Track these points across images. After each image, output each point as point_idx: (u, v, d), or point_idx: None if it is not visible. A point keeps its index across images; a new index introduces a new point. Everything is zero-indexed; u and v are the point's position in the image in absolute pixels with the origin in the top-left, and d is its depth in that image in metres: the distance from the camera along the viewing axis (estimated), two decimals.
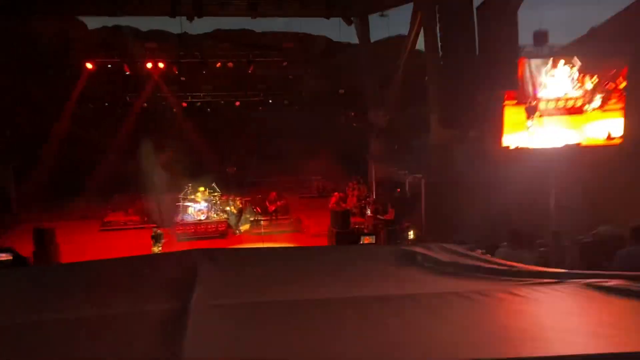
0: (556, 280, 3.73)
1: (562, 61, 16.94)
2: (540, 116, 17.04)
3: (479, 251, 6.97)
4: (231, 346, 2.81)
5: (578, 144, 17.24)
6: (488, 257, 6.12)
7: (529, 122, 16.95)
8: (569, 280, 3.71)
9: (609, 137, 17.33)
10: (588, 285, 3.53)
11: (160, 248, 15.66)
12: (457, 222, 15.10)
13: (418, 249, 5.20)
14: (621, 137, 17.39)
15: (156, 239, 15.76)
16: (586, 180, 16.14)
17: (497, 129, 17.15)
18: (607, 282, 3.52)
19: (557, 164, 16.57)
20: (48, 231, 15.13)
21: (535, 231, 12.63)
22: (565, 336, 2.75)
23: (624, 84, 17.23)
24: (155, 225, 16.91)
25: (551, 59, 16.89)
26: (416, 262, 4.75)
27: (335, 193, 22.80)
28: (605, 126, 17.48)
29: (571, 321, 3.08)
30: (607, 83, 17.13)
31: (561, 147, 17.28)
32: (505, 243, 7.71)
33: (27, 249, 14.61)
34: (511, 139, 17.15)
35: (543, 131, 17.14)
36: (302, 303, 3.46)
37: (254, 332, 2.99)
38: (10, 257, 13.32)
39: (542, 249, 10.12)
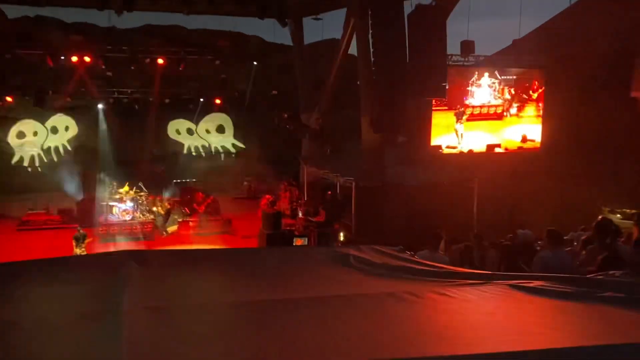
0: (483, 281, 3.91)
1: (486, 74, 17.87)
2: (467, 120, 17.88)
3: (408, 253, 7.17)
4: (169, 348, 2.76)
5: (498, 145, 18.28)
6: (417, 259, 6.29)
7: (457, 125, 17.74)
8: (494, 282, 3.90)
9: (524, 140, 18.66)
10: (512, 286, 3.72)
11: (83, 250, 15.03)
12: (385, 224, 15.45)
13: (350, 251, 5.30)
14: (538, 142, 18.59)
15: (78, 239, 15.10)
16: (505, 185, 17.01)
17: (425, 134, 17.74)
18: (529, 283, 3.73)
19: (479, 168, 17.36)
20: None
21: (459, 233, 13.20)
22: (494, 335, 2.90)
23: (536, 95, 18.48)
24: (77, 225, 16.22)
25: (476, 71, 17.74)
26: (349, 263, 4.83)
27: (267, 195, 22.75)
28: (520, 130, 18.69)
29: (499, 320, 3.24)
30: (522, 94, 18.40)
31: (483, 151, 18.15)
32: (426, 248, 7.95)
33: None
34: (440, 140, 17.85)
35: (469, 134, 18.01)
36: (235, 305, 3.44)
37: (189, 335, 2.95)
38: None
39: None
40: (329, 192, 21.13)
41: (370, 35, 15.87)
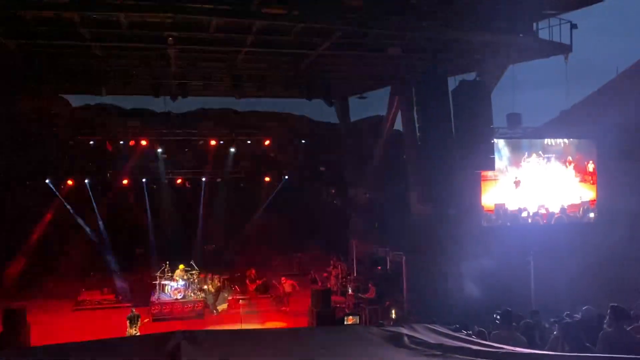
0: None
1: (534, 155, 17.83)
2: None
3: (464, 332, 6.92)
4: None
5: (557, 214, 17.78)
6: (473, 338, 6.08)
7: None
8: None
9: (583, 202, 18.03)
10: None
11: (137, 330, 15.13)
12: (439, 301, 15.02)
13: (404, 330, 5.16)
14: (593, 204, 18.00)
15: (132, 320, 15.26)
16: (562, 259, 16.37)
17: (475, 207, 17.48)
18: None
19: (533, 242, 16.84)
20: (18, 311, 14.58)
21: (517, 309, 12.65)
22: None
23: (592, 166, 18.11)
24: (130, 305, 16.45)
25: (526, 153, 17.73)
26: (402, 344, 4.70)
27: (313, 272, 22.66)
28: (578, 193, 18.18)
29: None
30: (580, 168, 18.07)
31: (537, 220, 17.66)
32: (498, 323, 7.65)
33: None
34: (492, 198, 17.54)
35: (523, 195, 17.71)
36: None
37: None
38: None
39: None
40: (379, 267, 20.85)
41: (414, 112, 16.15)
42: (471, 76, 16.29)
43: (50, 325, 16.48)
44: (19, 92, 16.08)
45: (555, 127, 20.17)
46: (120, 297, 19.78)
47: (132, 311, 15.58)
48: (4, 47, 14.46)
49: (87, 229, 23.25)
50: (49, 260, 23.56)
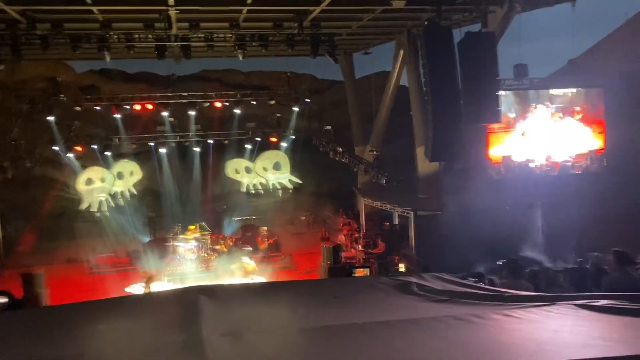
0: (549, 302, 3.87)
1: (540, 105, 17.70)
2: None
3: (471, 279, 7.11)
4: None
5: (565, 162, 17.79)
6: (480, 284, 6.25)
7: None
8: (560, 302, 3.85)
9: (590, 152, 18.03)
10: (578, 305, 3.67)
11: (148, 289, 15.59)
12: (446, 252, 15.22)
13: (413, 279, 5.34)
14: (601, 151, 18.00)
15: (148, 281, 15.68)
16: (571, 207, 16.46)
17: (482, 160, 17.52)
18: (596, 302, 3.67)
19: (541, 191, 16.92)
20: (37, 276, 14.97)
21: (523, 258, 12.83)
22: (559, 349, 2.87)
23: (600, 115, 17.99)
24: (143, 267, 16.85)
25: (533, 104, 17.59)
26: (412, 291, 4.87)
27: (322, 229, 23.02)
28: (586, 143, 18.16)
29: (564, 337, 3.20)
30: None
31: (544, 172, 17.70)
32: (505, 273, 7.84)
33: (16, 294, 14.42)
34: (499, 150, 17.57)
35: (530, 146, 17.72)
36: (304, 330, 3.55)
37: (264, 357, 3.08)
38: (7, 300, 13.16)
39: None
40: (387, 223, 21.07)
41: (420, 66, 16.02)
42: (477, 27, 16.08)
43: (68, 288, 16.92)
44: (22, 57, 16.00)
45: (562, 77, 19.96)
46: (134, 260, 20.18)
47: (147, 272, 15.98)
48: (7, 15, 14.43)
49: None
50: (61, 226, 24.04)
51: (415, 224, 17.09)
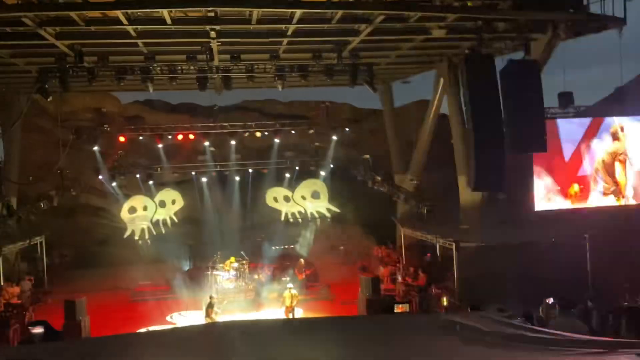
0: (607, 349, 3.56)
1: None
2: None
3: (519, 319, 6.74)
4: None
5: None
6: (528, 325, 5.91)
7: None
8: (620, 350, 3.53)
9: None
10: None
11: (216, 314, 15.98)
12: (491, 287, 14.71)
13: (457, 318, 5.06)
14: None
15: (212, 306, 16.02)
16: (621, 241, 15.76)
17: (527, 190, 17.02)
18: None
19: (589, 224, 16.28)
20: (78, 303, 15.15)
21: (573, 297, 12.26)
22: None
23: None
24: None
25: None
26: (457, 332, 4.61)
27: (359, 262, 22.70)
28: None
29: None
30: None
31: (594, 208, 17.02)
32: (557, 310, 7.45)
33: (59, 322, 14.62)
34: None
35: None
36: None
37: None
38: (42, 331, 13.34)
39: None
40: (428, 254, 20.60)
41: (461, 94, 15.78)
42: (520, 55, 15.78)
43: (109, 315, 17.08)
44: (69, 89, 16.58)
45: (609, 105, 19.36)
46: (174, 288, 20.26)
47: (211, 298, 16.32)
48: (56, 49, 14.98)
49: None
50: (104, 253, 24.46)
51: (458, 256, 16.62)
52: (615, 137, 17.67)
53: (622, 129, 17.71)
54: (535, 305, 11.01)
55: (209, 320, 15.57)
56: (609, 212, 17.08)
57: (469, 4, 13.55)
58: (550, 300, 9.82)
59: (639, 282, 12.31)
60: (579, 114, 17.76)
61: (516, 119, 14.24)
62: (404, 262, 20.51)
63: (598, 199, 17.49)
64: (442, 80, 20.49)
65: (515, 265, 15.21)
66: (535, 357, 3.51)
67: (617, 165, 17.69)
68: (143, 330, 15.03)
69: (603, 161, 17.69)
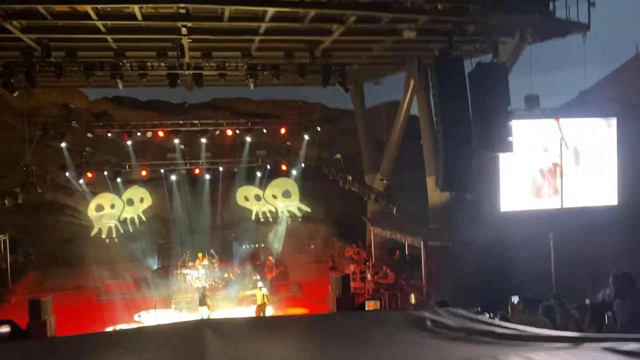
0: (572, 344, 3.68)
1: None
2: None
3: (487, 315, 6.91)
4: None
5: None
6: (497, 321, 6.05)
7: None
8: (585, 344, 3.66)
9: None
10: (605, 349, 3.47)
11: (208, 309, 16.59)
12: (457, 284, 14.98)
13: (426, 314, 5.15)
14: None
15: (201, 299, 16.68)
16: (581, 239, 16.21)
17: (494, 190, 17.34)
18: (625, 345, 3.48)
19: (552, 223, 16.70)
20: (44, 302, 14.85)
21: (536, 293, 12.58)
22: None
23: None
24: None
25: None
26: (425, 327, 4.70)
27: (330, 260, 22.84)
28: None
29: None
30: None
31: (558, 209, 17.45)
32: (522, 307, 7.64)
33: (24, 321, 14.32)
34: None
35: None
36: None
37: None
38: (9, 330, 13.04)
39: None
40: (397, 253, 20.85)
41: (431, 95, 16.01)
42: (488, 58, 16.09)
43: (76, 315, 16.78)
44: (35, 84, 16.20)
45: (573, 108, 19.87)
46: (141, 287, 20.03)
47: (204, 288, 17.52)
48: (22, 42, 14.63)
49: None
50: (70, 252, 24.01)
51: (426, 254, 16.87)
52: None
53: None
54: (501, 303, 11.26)
55: (207, 310, 16.54)
56: (572, 212, 17.51)
57: (440, 7, 13.75)
58: (516, 298, 10.05)
59: (600, 280, 12.69)
60: (544, 116, 18.16)
61: (484, 120, 14.55)
62: (374, 261, 20.70)
63: (566, 199, 17.84)
64: (412, 81, 20.75)
65: (481, 263, 15.52)
66: (504, 352, 3.61)
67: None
68: (110, 329, 14.85)
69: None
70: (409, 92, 21.36)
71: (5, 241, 21.27)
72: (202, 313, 16.64)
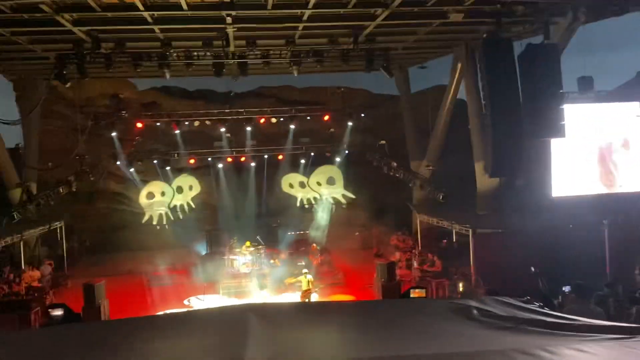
0: (626, 336, 3.50)
1: None
2: None
3: (536, 304, 6.71)
4: None
5: None
6: (547, 310, 5.86)
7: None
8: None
9: None
10: None
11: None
12: (507, 273, 14.64)
13: (473, 303, 5.03)
14: None
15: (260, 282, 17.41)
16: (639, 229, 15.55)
17: (545, 176, 16.83)
18: None
19: (607, 210, 16.08)
20: (97, 287, 15.37)
21: (592, 283, 12.15)
22: None
23: None
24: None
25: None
26: (472, 316, 4.58)
27: (375, 247, 22.70)
28: None
29: None
30: None
31: (613, 194, 16.78)
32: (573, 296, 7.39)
33: (78, 305, 14.87)
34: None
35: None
36: None
37: None
38: (62, 313, 13.59)
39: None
40: (444, 241, 20.54)
41: (479, 79, 15.61)
42: (538, 39, 15.53)
43: (128, 299, 17.30)
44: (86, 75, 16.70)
45: (629, 90, 19.02)
46: (191, 273, 20.46)
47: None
48: (73, 35, 15.08)
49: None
50: (123, 238, 24.75)
51: (475, 242, 16.54)
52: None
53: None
54: (552, 291, 10.96)
55: (267, 293, 17.50)
56: (627, 197, 16.82)
57: None
58: (567, 287, 9.73)
59: None
60: (598, 99, 17.45)
61: (535, 104, 14.08)
62: (420, 248, 20.47)
63: (621, 184, 17.13)
64: (459, 65, 20.26)
65: (532, 251, 15.09)
66: (553, 342, 3.48)
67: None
68: (161, 313, 15.24)
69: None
70: (455, 76, 20.86)
71: (61, 228, 22.10)
72: (263, 296, 17.10)
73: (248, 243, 19.94)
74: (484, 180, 19.12)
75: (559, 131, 14.48)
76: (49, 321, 13.73)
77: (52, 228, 21.35)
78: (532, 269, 13.46)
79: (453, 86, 21.19)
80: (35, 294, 16.82)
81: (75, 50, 15.92)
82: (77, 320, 13.53)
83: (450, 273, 17.42)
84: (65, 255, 22.10)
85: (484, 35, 15.78)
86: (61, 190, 20.16)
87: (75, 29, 14.57)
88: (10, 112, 21.38)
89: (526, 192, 17.39)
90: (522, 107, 14.10)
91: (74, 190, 20.95)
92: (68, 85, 17.06)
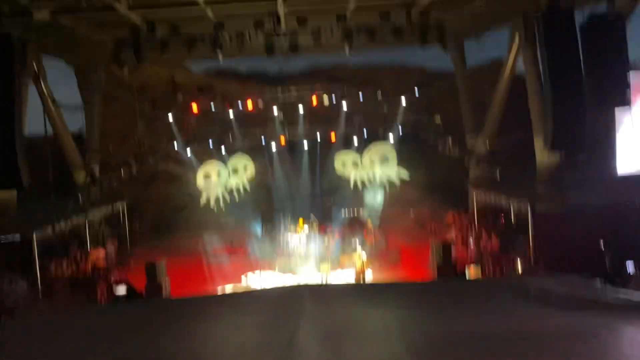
0: None
1: None
2: None
3: (598, 282, 6.47)
4: None
5: None
6: (608, 288, 5.66)
7: None
8: None
9: None
10: None
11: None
12: (570, 252, 14.15)
13: (533, 282, 4.90)
14: None
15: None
16: None
17: (610, 150, 16.11)
18: None
19: None
20: (159, 265, 15.92)
21: None
22: None
23: None
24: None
25: None
26: (532, 295, 4.47)
27: (430, 226, 22.40)
28: None
29: None
30: None
31: None
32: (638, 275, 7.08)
33: (141, 283, 15.46)
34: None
35: None
36: (410, 343, 3.33)
37: None
38: (125, 291, 14.18)
39: None
40: (502, 219, 20.05)
41: (539, 52, 14.99)
42: (602, 8, 14.71)
43: (188, 276, 17.84)
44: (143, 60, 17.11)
45: None
46: (248, 251, 20.90)
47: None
48: (129, 20, 15.46)
49: None
50: (182, 219, 25.47)
51: (534, 220, 16.05)
52: None
53: None
54: (613, 270, 10.53)
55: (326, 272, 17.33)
56: None
57: None
58: (631, 265, 9.33)
59: None
60: None
61: (598, 75, 13.40)
62: (477, 227, 20.09)
63: None
64: (517, 37, 19.49)
65: (594, 229, 14.51)
66: (615, 320, 3.34)
67: None
68: (219, 288, 15.72)
69: None
70: (513, 49, 20.09)
71: (123, 209, 22.94)
72: (317, 274, 17.29)
73: (301, 220, 20.15)
74: (543, 156, 18.44)
75: (624, 100, 13.72)
76: (113, 298, 14.36)
77: (114, 209, 22.19)
78: (602, 243, 12.93)
79: (511, 60, 20.42)
80: (101, 273, 17.59)
81: (131, 35, 16.32)
82: (140, 298, 14.09)
83: (508, 251, 17.01)
84: (128, 235, 22.95)
85: (544, 5, 15.09)
86: (122, 172, 20.87)
87: (131, 14, 14.92)
88: (72, 97, 22.28)
89: (589, 167, 16.68)
90: (584, 79, 13.46)
91: (134, 172, 21.65)
92: (125, 70, 17.54)
